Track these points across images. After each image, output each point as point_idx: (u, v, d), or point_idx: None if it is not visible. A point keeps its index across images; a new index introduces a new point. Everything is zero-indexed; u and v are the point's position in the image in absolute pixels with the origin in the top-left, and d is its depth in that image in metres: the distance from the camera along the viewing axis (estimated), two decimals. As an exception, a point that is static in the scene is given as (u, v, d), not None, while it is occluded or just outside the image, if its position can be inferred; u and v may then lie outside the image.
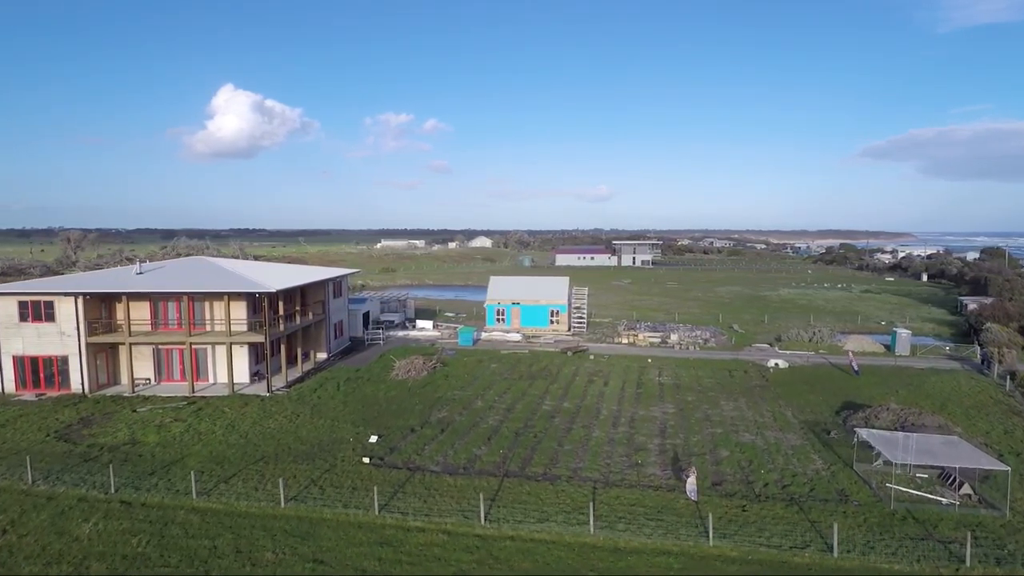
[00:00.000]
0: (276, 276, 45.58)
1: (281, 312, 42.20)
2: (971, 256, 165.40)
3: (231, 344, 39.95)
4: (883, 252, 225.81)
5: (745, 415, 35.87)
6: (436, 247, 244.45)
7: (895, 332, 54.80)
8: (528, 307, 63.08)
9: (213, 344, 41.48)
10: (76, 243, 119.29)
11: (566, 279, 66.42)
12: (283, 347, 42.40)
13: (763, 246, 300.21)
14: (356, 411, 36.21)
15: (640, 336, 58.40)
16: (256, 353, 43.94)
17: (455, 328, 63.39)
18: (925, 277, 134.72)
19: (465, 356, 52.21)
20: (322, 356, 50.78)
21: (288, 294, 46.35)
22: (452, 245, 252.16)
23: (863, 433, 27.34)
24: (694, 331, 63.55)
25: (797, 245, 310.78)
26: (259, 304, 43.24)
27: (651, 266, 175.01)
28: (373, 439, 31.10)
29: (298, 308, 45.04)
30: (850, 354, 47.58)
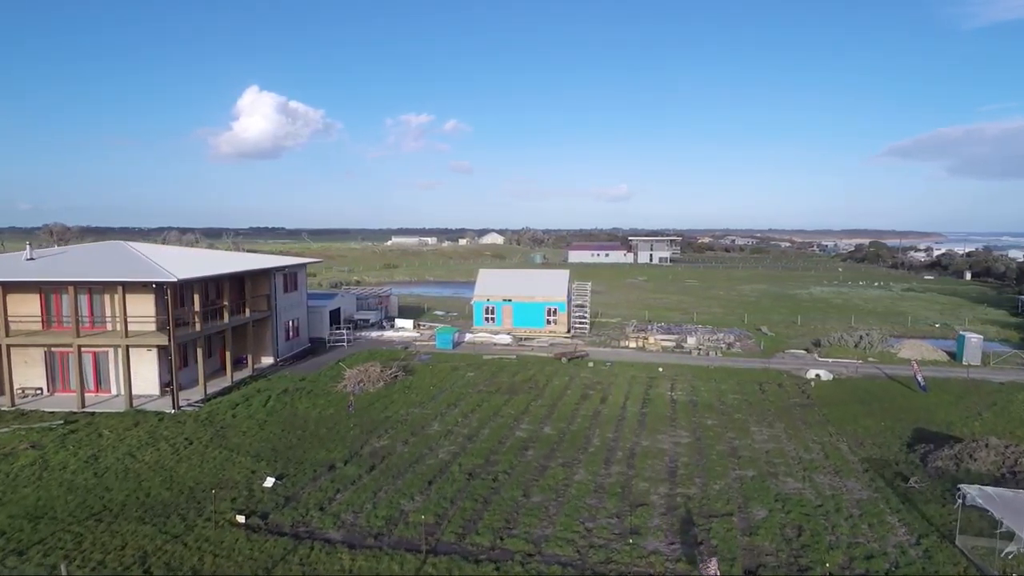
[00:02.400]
0: (196, 264, 37.38)
1: (198, 308, 33.93)
2: (1013, 254, 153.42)
3: (127, 347, 31.74)
4: (916, 250, 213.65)
5: (785, 449, 26.73)
6: (446, 243, 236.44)
7: (963, 337, 45.05)
8: (521, 305, 54.28)
9: (116, 347, 33.31)
10: (58, 236, 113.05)
11: (566, 272, 57.49)
12: (200, 351, 34.09)
13: (788, 244, 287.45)
14: (271, 437, 27.74)
15: (651, 339, 49.28)
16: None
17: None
18: (968, 275, 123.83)
19: (441, 361, 43.66)
20: (268, 361, 42.51)
21: (213, 286, 38.13)
22: (463, 242, 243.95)
23: (972, 493, 18.14)
24: (715, 334, 54.25)
25: (824, 243, 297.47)
26: (175, 298, 35.19)
27: (669, 263, 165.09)
28: (270, 482, 22.57)
29: (226, 303, 36.74)
30: (914, 364, 38.07)
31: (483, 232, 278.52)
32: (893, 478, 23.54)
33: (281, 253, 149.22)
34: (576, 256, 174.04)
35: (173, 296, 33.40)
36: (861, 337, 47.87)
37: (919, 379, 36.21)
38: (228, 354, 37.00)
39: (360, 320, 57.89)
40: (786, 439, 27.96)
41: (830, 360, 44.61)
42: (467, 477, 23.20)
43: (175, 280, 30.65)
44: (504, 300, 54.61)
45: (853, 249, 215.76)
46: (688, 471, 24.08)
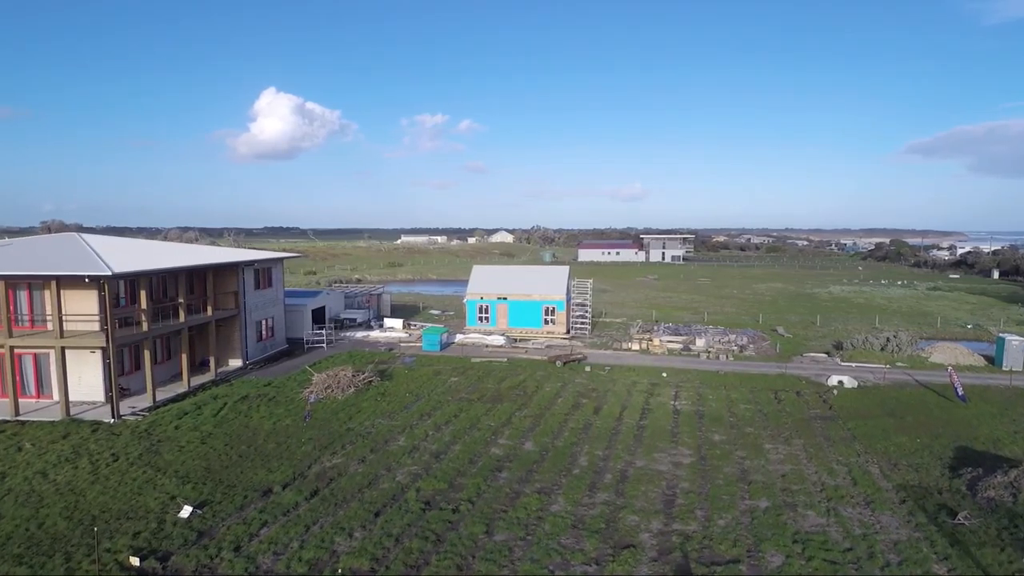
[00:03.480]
0: (147, 257, 34.09)
1: (144, 305, 30.56)
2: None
3: (62, 349, 28.41)
4: (939, 248, 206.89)
5: (804, 472, 22.71)
6: (455, 242, 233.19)
7: (1002, 339, 40.57)
8: (517, 303, 50.50)
9: (62, 348, 30.00)
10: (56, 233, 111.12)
11: (565, 269, 53.60)
12: (148, 353, 30.71)
13: (805, 243, 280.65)
14: (209, 454, 24.22)
15: (656, 341, 45.28)
16: (123, 361, 32.48)
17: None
18: (997, 274, 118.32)
19: (425, 365, 40.07)
20: (236, 364, 39.11)
21: (169, 281, 34.80)
22: (472, 240, 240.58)
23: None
24: (727, 335, 50.11)
25: (843, 242, 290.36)
26: (125, 294, 31.98)
27: (682, 262, 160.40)
28: (186, 511, 19.00)
29: (181, 300, 33.34)
30: (950, 370, 33.76)
31: (494, 231, 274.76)
32: (936, 511, 19.47)
33: (284, 252, 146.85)
34: (586, 254, 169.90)
35: (115, 292, 30.18)
36: (888, 339, 43.53)
37: (957, 388, 31.96)
38: (184, 357, 33.61)
39: (347, 319, 54.46)
40: (806, 459, 23.93)
41: (854, 365, 40.36)
42: (423, 507, 19.49)
43: (109, 273, 27.21)
44: (499, 298, 50.86)
45: (873, 247, 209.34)
46: (688, 500, 20.18)
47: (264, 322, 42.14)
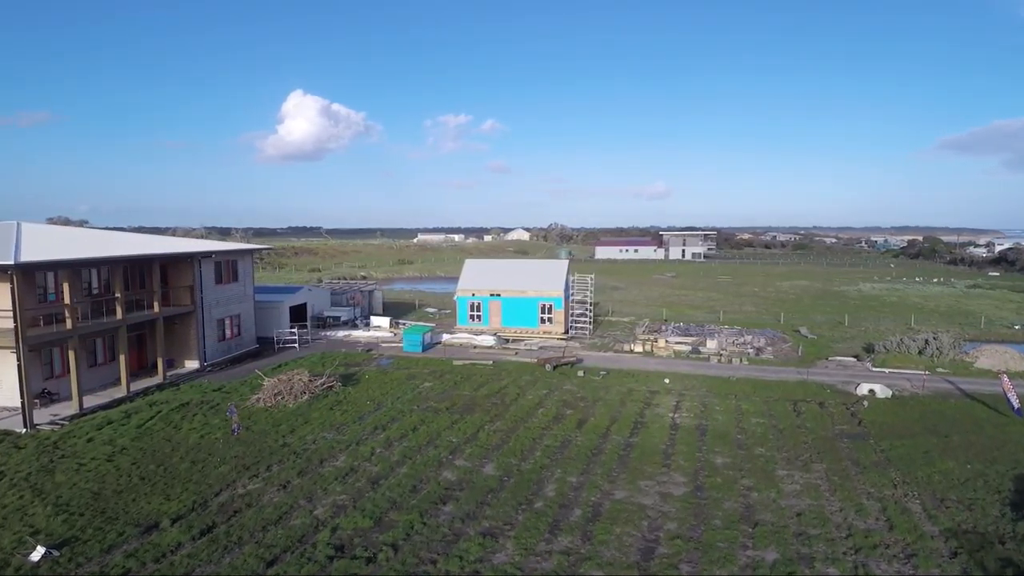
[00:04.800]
0: (79, 246, 30.61)
1: (67, 300, 27.00)
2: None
3: (-34, 350, 24.96)
4: (976, 245, 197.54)
5: (826, 509, 18.12)
6: (471, 240, 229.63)
7: (1062, 342, 35.17)
8: (511, 300, 46.26)
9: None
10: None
11: (564, 263, 49.20)
12: (74, 354, 27.13)
13: (834, 240, 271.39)
14: (108, 475, 20.44)
15: (660, 343, 40.65)
16: (52, 363, 29.06)
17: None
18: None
19: (401, 368, 36.14)
20: (193, 365, 35.54)
21: (112, 273, 31.28)
22: (487, 238, 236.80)
23: None
24: (743, 336, 45.30)
25: (873, 239, 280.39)
26: (55, 288, 28.55)
27: (703, 259, 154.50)
28: (38, 554, 15.16)
29: (118, 294, 29.75)
30: (1004, 378, 28.63)
31: (510, 230, 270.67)
32: (1001, 570, 14.80)
33: (293, 249, 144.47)
34: (603, 252, 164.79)
35: (41, 285, 26.79)
36: (927, 341, 38.36)
37: (1012, 399, 26.94)
38: (124, 358, 30.03)
39: (330, 318, 50.77)
40: (828, 491, 19.31)
41: (887, 371, 35.36)
42: (332, 553, 15.38)
43: (11, 263, 23.60)
44: (491, 295, 46.68)
45: (906, 244, 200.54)
46: (672, 549, 15.75)
47: (228, 320, 38.50)
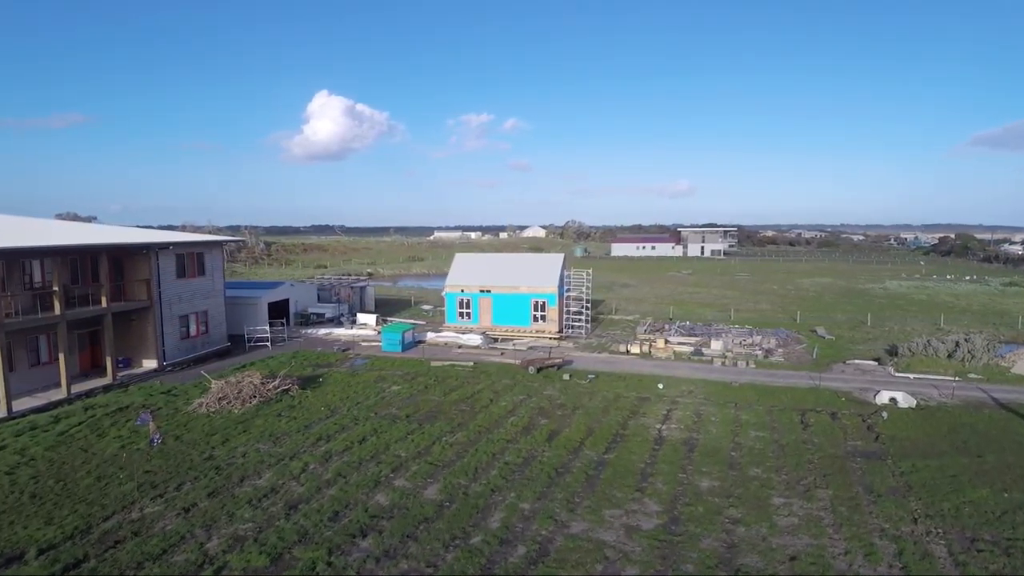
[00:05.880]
0: (12, 235, 28.23)
1: (-10, 293, 24.63)
2: None
3: None
4: (1011, 243, 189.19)
5: (827, 551, 14.75)
6: (486, 237, 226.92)
7: (1114, 346, 31.04)
8: (502, 297, 43.20)
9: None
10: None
11: (559, 257, 45.96)
12: (0, 354, 24.79)
13: (861, 238, 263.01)
14: (1, 491, 17.88)
15: (660, 343, 37.23)
16: (-16, 362, 26.75)
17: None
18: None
19: (374, 369, 33.41)
20: (151, 365, 33.13)
21: (49, 266, 28.93)
22: (503, 235, 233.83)
23: None
24: (752, 336, 41.67)
25: (903, 236, 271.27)
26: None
27: (723, 257, 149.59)
28: None
29: (56, 288, 27.33)
30: (1048, 389, 24.85)
31: (526, 227, 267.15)
32: (1052, 643, 11.35)
33: (303, 246, 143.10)
34: (620, 249, 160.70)
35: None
36: (957, 343, 34.41)
37: (1059, 413, 23.15)
38: (62, 357, 27.61)
39: (314, 315, 48.22)
40: (832, 527, 15.93)
41: (911, 376, 31.58)
42: (204, 602, 12.51)
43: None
44: (481, 291, 43.67)
45: (937, 242, 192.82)
46: (627, 605, 12.57)
47: (194, 316, 36.02)
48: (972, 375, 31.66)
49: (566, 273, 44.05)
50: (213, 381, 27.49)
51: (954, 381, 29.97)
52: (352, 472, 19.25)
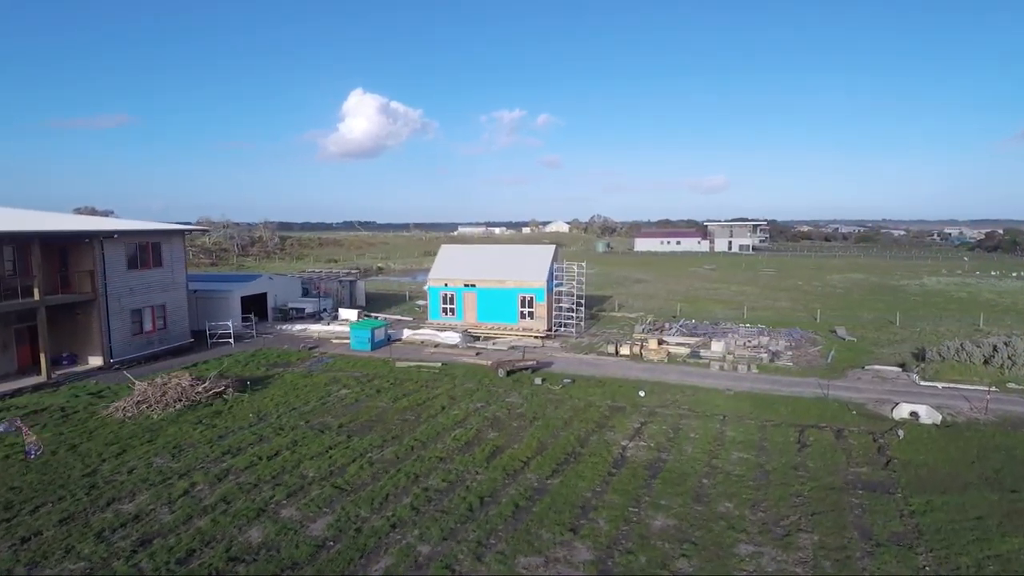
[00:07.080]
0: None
1: None
2: None
3: None
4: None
5: (796, 626, 11.14)
6: (509, 231, 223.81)
7: None
8: (487, 292, 39.94)
9: None
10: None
11: (550, 248, 42.44)
12: None
13: (902, 233, 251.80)
14: None
15: (652, 344, 33.47)
16: None
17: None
18: None
19: (333, 369, 30.68)
20: (96, 363, 30.84)
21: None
22: (526, 230, 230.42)
23: None
24: (760, 336, 37.56)
25: (947, 231, 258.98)
26: None
27: (752, 251, 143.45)
28: None
29: (-28, 279, 25.11)
30: (1104, 406, 20.50)
31: (549, 222, 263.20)
32: None
33: (318, 240, 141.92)
34: (643, 244, 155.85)
35: None
36: (995, 348, 29.89)
37: (1117, 436, 18.85)
38: (-19, 354, 25.37)
39: (294, 309, 45.67)
40: (809, 590, 12.27)
41: (940, 386, 27.29)
42: None
43: None
44: (466, 285, 40.47)
45: (983, 237, 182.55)
46: None
47: (149, 311, 33.64)
48: (1012, 385, 27.23)
49: (557, 266, 40.52)
50: (136, 383, 24.88)
51: (989, 392, 25.62)
52: (240, 497, 16.26)
